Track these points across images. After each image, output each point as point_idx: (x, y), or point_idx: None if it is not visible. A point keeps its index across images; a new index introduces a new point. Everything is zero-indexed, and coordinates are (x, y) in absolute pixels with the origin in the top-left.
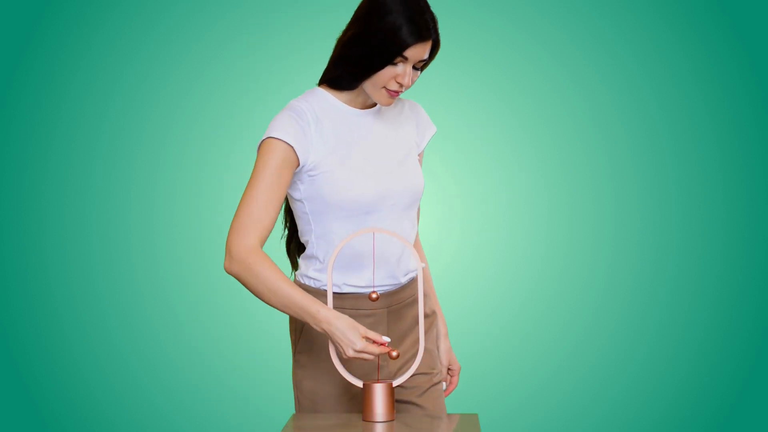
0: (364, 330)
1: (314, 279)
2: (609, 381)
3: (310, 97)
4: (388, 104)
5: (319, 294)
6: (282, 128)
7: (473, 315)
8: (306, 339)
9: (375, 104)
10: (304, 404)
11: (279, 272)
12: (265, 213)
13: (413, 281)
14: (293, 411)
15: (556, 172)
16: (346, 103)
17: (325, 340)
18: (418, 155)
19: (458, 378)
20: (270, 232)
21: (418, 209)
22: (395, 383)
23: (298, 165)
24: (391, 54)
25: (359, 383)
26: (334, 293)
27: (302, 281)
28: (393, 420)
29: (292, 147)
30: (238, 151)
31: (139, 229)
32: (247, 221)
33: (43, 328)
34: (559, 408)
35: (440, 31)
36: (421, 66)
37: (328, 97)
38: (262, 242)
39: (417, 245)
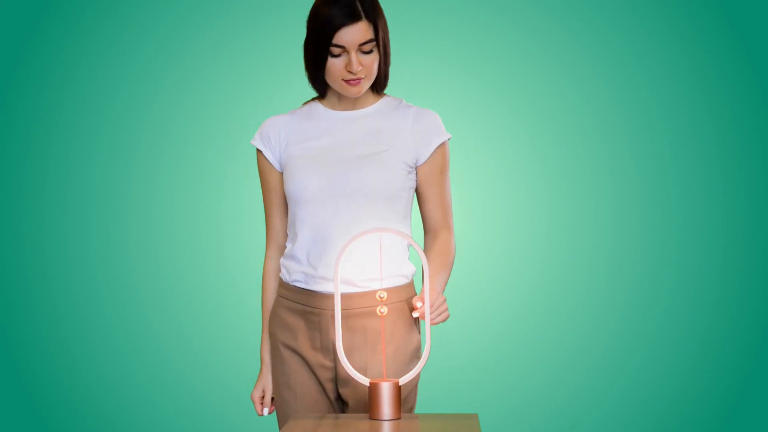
0: (259, 392)
1: (283, 266)
2: (609, 381)
3: (297, 109)
4: (356, 94)
5: (287, 288)
6: (256, 137)
7: (473, 315)
8: (270, 342)
9: (368, 106)
10: (276, 404)
11: (265, 292)
12: (271, 221)
13: (371, 293)
14: None
15: (556, 172)
16: (330, 107)
17: (283, 348)
18: (420, 164)
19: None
20: (284, 232)
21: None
22: (402, 381)
23: (273, 164)
24: (324, 46)
25: (366, 381)
26: (294, 286)
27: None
28: (399, 419)
29: (260, 151)
30: (238, 151)
31: (139, 230)
32: (266, 234)
33: (43, 328)
34: (559, 408)
35: (440, 30)
36: (372, 48)
37: (315, 105)
38: (279, 248)
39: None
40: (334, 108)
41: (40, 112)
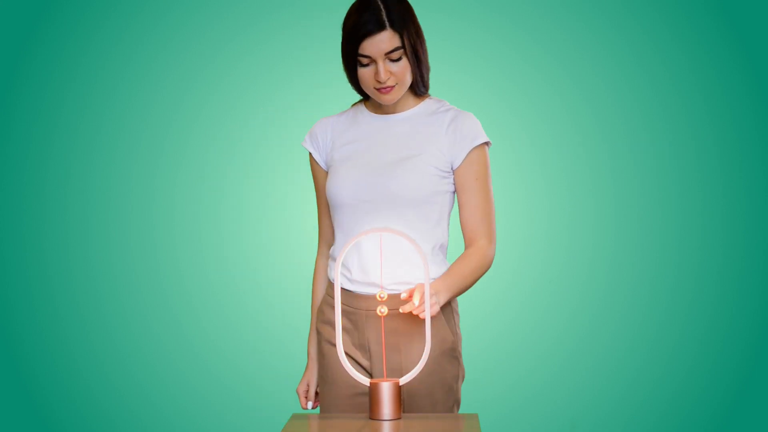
0: (304, 386)
1: (329, 266)
2: (609, 381)
3: (346, 110)
4: (389, 101)
5: (330, 287)
6: (306, 138)
7: (473, 315)
8: (317, 338)
9: (408, 109)
10: (319, 397)
11: (314, 290)
12: (321, 220)
13: (397, 296)
14: (293, 411)
15: (556, 172)
16: (372, 110)
17: (325, 344)
18: (455, 169)
19: (419, 296)
20: (332, 230)
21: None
22: (402, 382)
23: (321, 165)
24: (350, 57)
25: (366, 381)
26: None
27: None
28: (399, 419)
29: (310, 153)
30: (238, 151)
31: (139, 230)
32: (318, 233)
33: (43, 328)
34: (559, 408)
35: (440, 30)
36: (400, 56)
37: (360, 107)
38: (328, 247)
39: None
40: (375, 111)
41: (40, 112)
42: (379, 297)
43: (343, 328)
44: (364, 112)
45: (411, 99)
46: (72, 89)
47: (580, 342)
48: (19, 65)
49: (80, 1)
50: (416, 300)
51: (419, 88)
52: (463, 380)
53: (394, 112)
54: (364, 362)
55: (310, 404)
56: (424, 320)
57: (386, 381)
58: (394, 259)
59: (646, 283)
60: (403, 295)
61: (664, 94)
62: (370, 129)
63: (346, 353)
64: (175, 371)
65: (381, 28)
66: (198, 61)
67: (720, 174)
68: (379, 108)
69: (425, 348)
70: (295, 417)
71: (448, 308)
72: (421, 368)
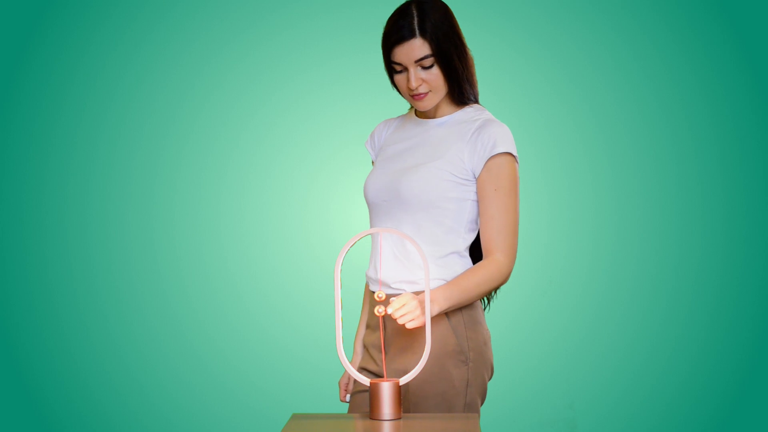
0: (345, 379)
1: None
2: (609, 381)
3: (405, 113)
4: (424, 108)
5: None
6: (368, 138)
7: None
8: None
9: (445, 115)
10: None
11: (366, 290)
12: None
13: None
14: (293, 411)
15: (556, 172)
16: (418, 114)
17: (365, 347)
18: (476, 178)
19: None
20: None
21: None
22: (402, 382)
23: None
24: (386, 64)
25: (366, 381)
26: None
27: None
28: (400, 419)
29: (367, 149)
30: (238, 151)
31: (138, 230)
32: None
33: (43, 328)
34: (559, 408)
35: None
36: (432, 63)
37: (412, 110)
38: None
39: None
40: (419, 115)
41: (40, 112)
42: (378, 297)
43: (374, 327)
44: (412, 116)
45: (450, 105)
46: (72, 89)
47: (580, 342)
48: (19, 65)
49: (80, 1)
50: (390, 309)
51: (455, 96)
52: (482, 385)
53: (433, 117)
54: (380, 361)
55: (348, 397)
56: (431, 322)
57: (386, 381)
58: (415, 261)
59: (647, 283)
60: (391, 299)
61: (664, 94)
62: (410, 133)
63: (368, 349)
64: (175, 371)
65: (411, 35)
66: (198, 61)
67: (720, 174)
68: (421, 112)
69: (425, 349)
70: (295, 417)
71: (457, 312)
72: (420, 368)
